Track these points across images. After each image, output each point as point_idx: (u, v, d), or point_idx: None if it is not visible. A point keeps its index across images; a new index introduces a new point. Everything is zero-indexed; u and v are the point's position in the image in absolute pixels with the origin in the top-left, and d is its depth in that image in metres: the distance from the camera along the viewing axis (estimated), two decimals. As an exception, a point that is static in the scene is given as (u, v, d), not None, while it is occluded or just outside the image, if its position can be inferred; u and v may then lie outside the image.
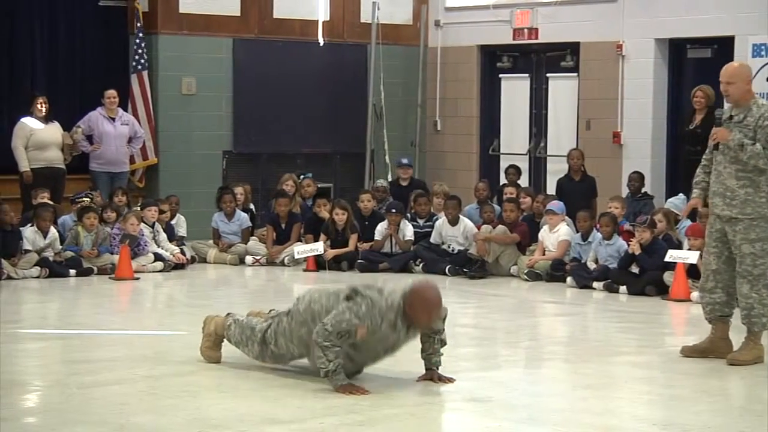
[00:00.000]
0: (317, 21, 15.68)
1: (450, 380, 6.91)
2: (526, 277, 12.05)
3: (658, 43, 14.18)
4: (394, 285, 6.86)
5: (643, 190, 13.54)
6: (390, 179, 15.35)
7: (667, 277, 10.92)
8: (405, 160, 14.88)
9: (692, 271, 10.78)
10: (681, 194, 12.40)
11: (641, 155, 14.25)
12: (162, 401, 6.52)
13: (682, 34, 13.97)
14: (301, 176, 14.33)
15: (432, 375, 6.92)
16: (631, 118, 14.36)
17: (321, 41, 15.69)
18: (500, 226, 12.57)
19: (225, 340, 7.37)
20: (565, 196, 13.06)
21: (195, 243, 13.44)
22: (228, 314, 7.43)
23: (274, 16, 15.45)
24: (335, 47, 15.82)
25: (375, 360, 6.86)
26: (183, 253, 12.79)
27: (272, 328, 7.06)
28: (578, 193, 13.29)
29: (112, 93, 13.80)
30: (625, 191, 13.63)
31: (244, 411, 6.34)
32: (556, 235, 12.22)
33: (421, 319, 6.65)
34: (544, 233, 12.36)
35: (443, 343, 6.95)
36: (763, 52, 13.11)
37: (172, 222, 13.33)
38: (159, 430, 5.94)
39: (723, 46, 13.69)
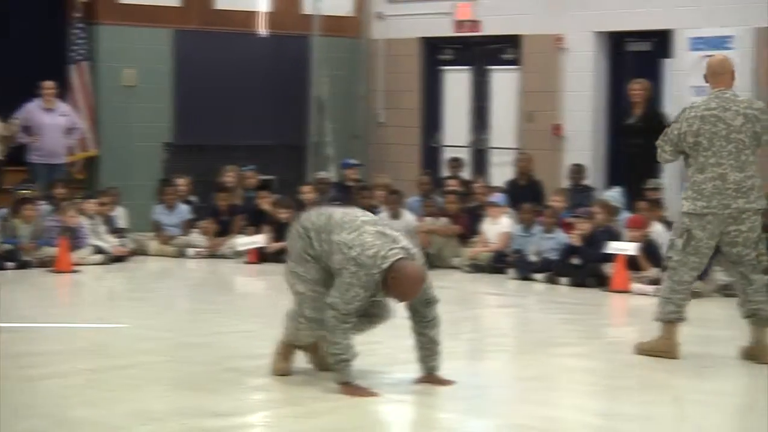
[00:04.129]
0: (259, 12, 15.60)
1: (449, 383, 6.67)
2: (468, 268, 12.10)
3: (598, 36, 14.26)
4: (387, 248, 6.39)
5: (583, 182, 13.63)
6: (334, 174, 15.34)
7: (608, 268, 11.00)
8: (352, 161, 14.85)
9: (632, 263, 10.88)
10: (617, 187, 12.52)
11: (582, 147, 14.33)
12: (103, 394, 6.45)
13: (621, 27, 14.07)
14: (243, 168, 14.27)
15: (431, 378, 6.69)
16: (572, 110, 14.44)
17: (262, 33, 15.62)
18: (442, 218, 12.61)
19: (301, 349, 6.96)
20: (511, 200, 13.04)
21: (136, 235, 13.34)
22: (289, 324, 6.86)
23: (216, 7, 15.35)
24: (277, 39, 15.75)
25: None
26: (123, 245, 12.69)
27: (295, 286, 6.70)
28: (524, 198, 13.11)
29: (49, 84, 13.64)
30: (566, 183, 13.71)
31: (186, 404, 6.29)
32: (498, 226, 12.28)
33: (397, 295, 6.44)
34: (486, 225, 12.41)
35: (434, 342, 6.62)
36: (701, 46, 13.24)
37: (113, 214, 13.22)
38: (100, 423, 5.88)
39: (662, 40, 13.82)
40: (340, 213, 6.65)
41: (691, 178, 7.58)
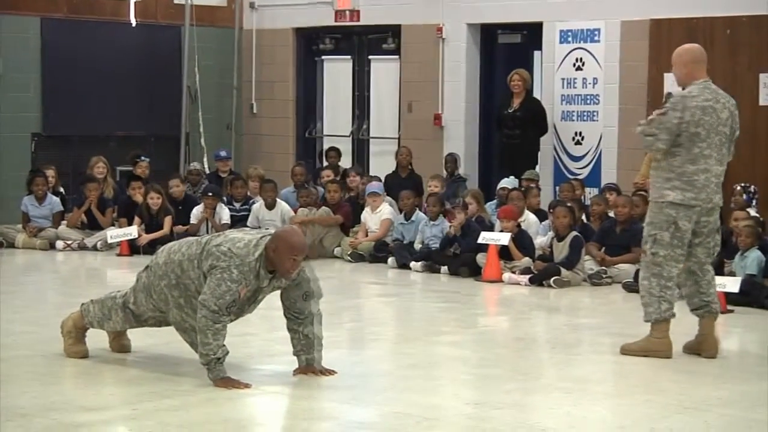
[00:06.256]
0: (129, 1, 15.31)
1: (331, 372, 6.70)
2: (349, 258, 12.10)
3: (471, 27, 14.37)
4: (258, 236, 6.52)
5: (457, 172, 13.73)
6: (206, 164, 15.21)
7: (480, 258, 11.09)
8: (223, 153, 14.73)
9: (504, 253, 10.99)
10: (512, 176, 12.66)
11: (459, 137, 14.44)
12: (-33, 391, 6.27)
13: (493, 19, 14.20)
14: (138, 158, 14.09)
15: (308, 369, 6.67)
16: (449, 101, 14.52)
17: (133, 22, 15.34)
18: (323, 207, 12.59)
19: (88, 327, 7.09)
20: (391, 192, 13.07)
21: (2, 227, 13.02)
22: (81, 304, 7.18)
23: (85, -5, 15.06)
24: (148, 28, 15.50)
25: (238, 317, 6.62)
26: (-11, 238, 12.39)
27: (131, 288, 6.90)
28: (403, 190, 13.11)
29: None
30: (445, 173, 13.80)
31: (55, 399, 6.14)
32: (378, 215, 12.31)
33: (284, 265, 6.40)
34: (366, 214, 12.43)
35: (308, 338, 6.65)
36: (570, 39, 13.44)
37: (-22, 207, 12.89)
38: (-35, 421, 5.71)
39: (532, 32, 13.99)
40: (206, 237, 6.73)
41: (678, 169, 7.30)
